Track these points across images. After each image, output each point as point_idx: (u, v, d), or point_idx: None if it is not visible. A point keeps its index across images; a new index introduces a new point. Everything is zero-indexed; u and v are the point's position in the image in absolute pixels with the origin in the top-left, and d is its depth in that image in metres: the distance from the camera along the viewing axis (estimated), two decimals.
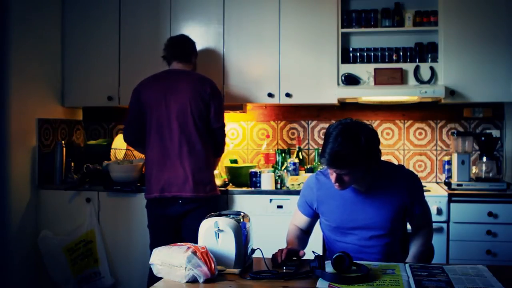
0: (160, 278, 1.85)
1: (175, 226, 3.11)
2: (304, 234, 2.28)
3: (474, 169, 3.55)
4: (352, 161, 1.96)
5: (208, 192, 3.07)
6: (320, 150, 2.16)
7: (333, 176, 2.03)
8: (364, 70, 3.63)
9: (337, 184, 2.03)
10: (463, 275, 1.76)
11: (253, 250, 2.00)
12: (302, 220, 2.29)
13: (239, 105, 3.75)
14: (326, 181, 2.19)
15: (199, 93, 3.07)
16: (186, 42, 3.31)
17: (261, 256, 1.99)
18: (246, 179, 3.54)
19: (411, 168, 3.80)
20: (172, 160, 3.04)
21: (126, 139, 3.28)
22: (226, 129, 4.07)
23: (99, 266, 3.49)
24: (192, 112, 3.05)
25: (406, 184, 2.14)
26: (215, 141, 3.20)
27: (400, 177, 2.16)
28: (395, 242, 2.14)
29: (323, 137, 3.92)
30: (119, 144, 3.87)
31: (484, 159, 3.50)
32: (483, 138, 3.54)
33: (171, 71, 3.22)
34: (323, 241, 2.74)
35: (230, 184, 3.61)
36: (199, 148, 3.06)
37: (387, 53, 3.69)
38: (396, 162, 3.81)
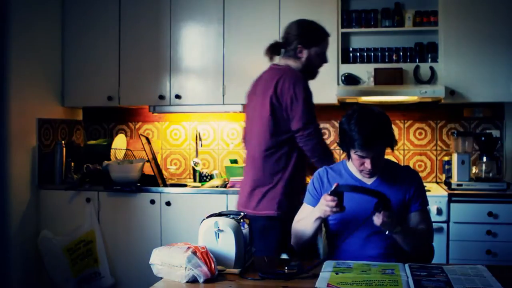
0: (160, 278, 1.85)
1: None
2: None
3: (474, 169, 3.54)
4: (383, 137, 2.01)
5: (254, 210, 2.58)
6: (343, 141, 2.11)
7: (367, 163, 2.03)
8: (364, 70, 3.63)
9: (370, 170, 2.04)
10: (462, 275, 1.77)
11: (253, 250, 2.00)
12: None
13: (239, 105, 3.75)
14: (334, 175, 2.21)
15: (270, 93, 2.59)
16: (285, 31, 2.77)
17: (261, 256, 1.99)
18: None
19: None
20: (244, 172, 2.76)
21: None
22: (227, 129, 4.10)
23: (99, 266, 3.49)
24: (259, 117, 2.63)
25: (412, 181, 2.16)
26: (302, 148, 2.63)
27: (407, 174, 2.19)
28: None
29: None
30: (119, 144, 3.87)
31: (484, 159, 3.50)
32: (483, 138, 3.54)
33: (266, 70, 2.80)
34: (323, 242, 2.73)
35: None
36: (259, 160, 2.62)
37: (387, 53, 3.69)
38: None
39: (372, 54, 3.71)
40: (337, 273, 1.81)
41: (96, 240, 3.50)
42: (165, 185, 3.60)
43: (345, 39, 3.74)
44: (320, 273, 1.82)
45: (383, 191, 2.12)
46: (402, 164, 3.78)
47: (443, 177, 3.75)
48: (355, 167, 2.11)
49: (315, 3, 3.62)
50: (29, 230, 3.53)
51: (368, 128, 1.98)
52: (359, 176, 2.16)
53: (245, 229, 1.94)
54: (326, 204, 1.94)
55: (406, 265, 1.90)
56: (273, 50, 2.79)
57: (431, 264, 2.05)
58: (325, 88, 3.61)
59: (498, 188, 3.32)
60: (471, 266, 1.88)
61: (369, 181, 2.16)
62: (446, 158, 3.75)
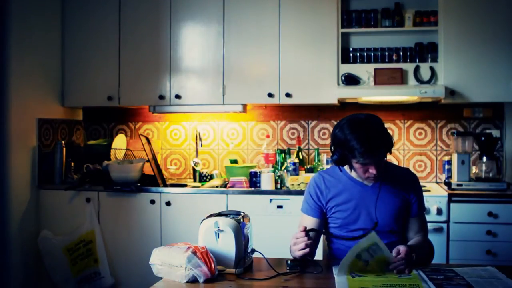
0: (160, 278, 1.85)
1: None
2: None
3: (474, 169, 3.54)
4: (382, 139, 2.00)
5: None
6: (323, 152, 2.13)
7: (371, 169, 2.03)
8: (364, 70, 3.63)
9: (374, 174, 2.03)
10: (479, 277, 1.74)
11: (253, 250, 2.00)
12: (310, 224, 2.19)
13: (239, 105, 3.75)
14: (331, 179, 2.21)
15: None
16: None
17: (262, 256, 1.99)
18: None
19: (411, 168, 3.79)
20: None
21: None
22: (227, 129, 4.11)
23: (99, 266, 3.49)
24: None
25: (411, 185, 2.19)
26: None
27: (406, 177, 2.22)
28: (399, 241, 2.15)
29: (323, 137, 3.97)
30: (119, 144, 3.87)
31: (484, 159, 3.50)
32: (483, 138, 3.54)
33: None
34: (323, 243, 2.73)
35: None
36: None
37: (387, 53, 3.69)
38: (396, 162, 3.81)
39: (372, 54, 3.71)
40: (353, 277, 1.79)
41: (96, 240, 3.50)
42: (165, 185, 3.61)
43: (345, 39, 3.74)
44: (336, 277, 1.80)
45: (385, 194, 2.12)
46: (402, 165, 3.82)
47: (443, 177, 3.75)
48: (360, 175, 2.11)
49: (315, 3, 3.62)
50: (29, 230, 3.53)
51: (365, 135, 1.97)
52: (358, 178, 2.15)
53: (246, 229, 1.94)
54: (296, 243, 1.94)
55: (419, 270, 1.87)
56: None
57: (441, 267, 2.01)
58: (325, 88, 3.61)
59: (498, 188, 3.32)
60: (482, 268, 1.86)
61: (370, 184, 2.16)
62: (446, 158, 3.75)
